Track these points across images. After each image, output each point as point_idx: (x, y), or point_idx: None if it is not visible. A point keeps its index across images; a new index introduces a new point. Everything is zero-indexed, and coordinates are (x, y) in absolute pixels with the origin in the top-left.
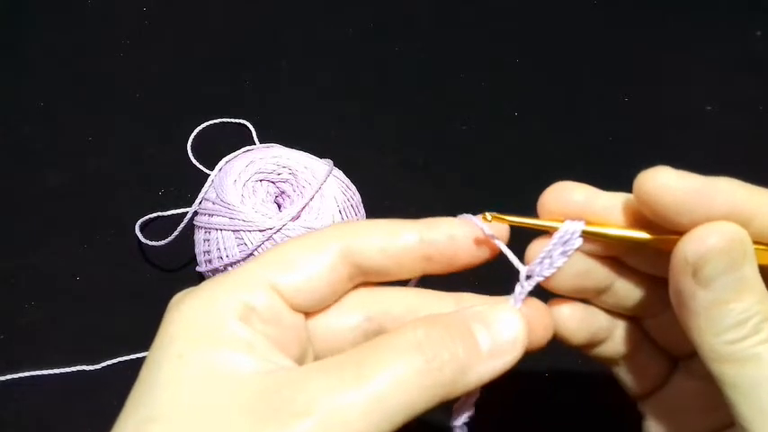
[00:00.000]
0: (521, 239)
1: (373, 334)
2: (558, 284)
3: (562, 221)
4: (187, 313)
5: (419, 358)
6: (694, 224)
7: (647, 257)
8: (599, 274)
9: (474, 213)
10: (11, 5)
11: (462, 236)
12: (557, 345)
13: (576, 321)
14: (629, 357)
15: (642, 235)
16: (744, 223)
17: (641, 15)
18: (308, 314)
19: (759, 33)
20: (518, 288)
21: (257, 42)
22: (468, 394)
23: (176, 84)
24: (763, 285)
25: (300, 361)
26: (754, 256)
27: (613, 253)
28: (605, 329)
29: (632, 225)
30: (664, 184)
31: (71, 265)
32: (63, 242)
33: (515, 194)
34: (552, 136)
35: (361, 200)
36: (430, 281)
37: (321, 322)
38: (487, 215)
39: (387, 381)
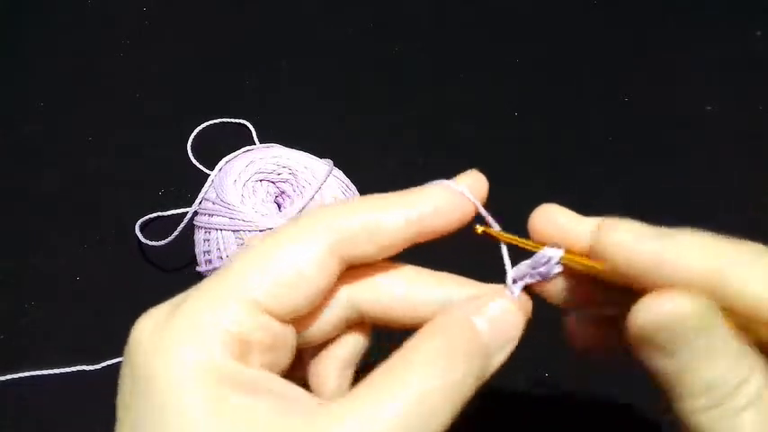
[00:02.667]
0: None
1: (355, 321)
2: (554, 298)
3: (543, 246)
4: (174, 353)
5: (442, 376)
6: (654, 284)
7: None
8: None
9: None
10: (11, 5)
11: (447, 207)
12: (556, 346)
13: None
14: None
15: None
16: (714, 284)
17: (641, 15)
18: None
19: (759, 33)
20: (511, 287)
21: (257, 42)
22: None
23: (176, 84)
24: (739, 345)
25: (290, 361)
26: (720, 320)
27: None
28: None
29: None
30: (620, 242)
31: (71, 265)
32: (63, 242)
33: (515, 195)
34: (552, 136)
35: None
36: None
37: (308, 317)
38: (478, 228)
39: (412, 405)
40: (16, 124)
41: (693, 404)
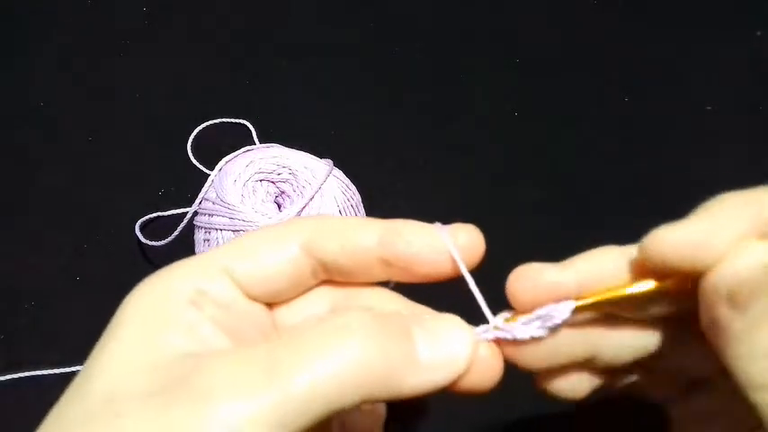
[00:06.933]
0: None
1: None
2: (529, 363)
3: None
4: (138, 298)
5: (346, 351)
6: (711, 262)
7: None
8: (579, 345)
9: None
10: (11, 5)
11: (421, 245)
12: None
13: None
14: (642, 381)
15: (650, 285)
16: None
17: (641, 16)
18: (270, 305)
19: (759, 33)
20: (483, 327)
21: (257, 42)
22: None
23: (176, 84)
24: None
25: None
26: None
27: (606, 311)
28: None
29: (626, 276)
30: (670, 239)
31: (71, 265)
32: (63, 242)
33: (515, 195)
34: (552, 136)
35: (361, 200)
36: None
37: (286, 311)
38: (501, 320)
39: (302, 374)
40: (16, 124)
41: (757, 366)
